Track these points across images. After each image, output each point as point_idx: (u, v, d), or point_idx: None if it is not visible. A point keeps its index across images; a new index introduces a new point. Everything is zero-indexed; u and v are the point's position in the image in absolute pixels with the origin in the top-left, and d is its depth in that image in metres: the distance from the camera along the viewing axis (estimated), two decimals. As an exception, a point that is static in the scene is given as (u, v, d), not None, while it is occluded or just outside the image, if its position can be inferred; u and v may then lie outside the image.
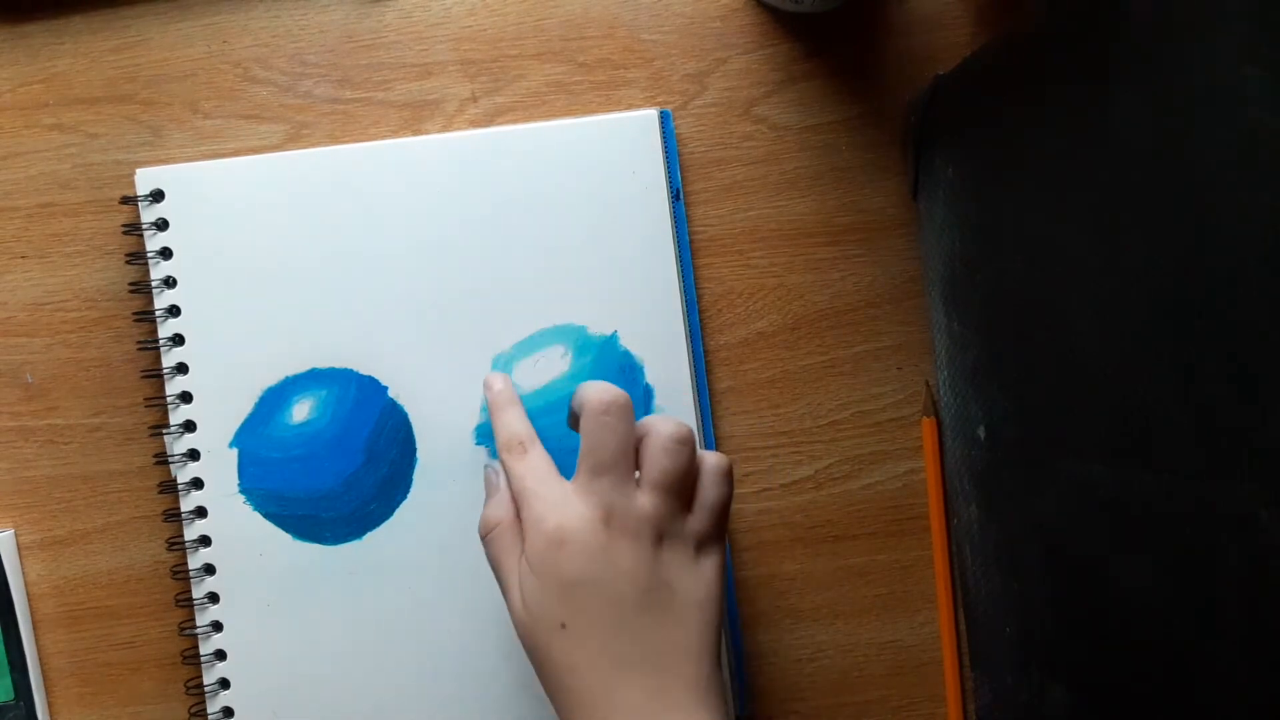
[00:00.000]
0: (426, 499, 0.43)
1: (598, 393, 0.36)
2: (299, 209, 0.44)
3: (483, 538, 0.38)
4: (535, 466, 0.37)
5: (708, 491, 0.37)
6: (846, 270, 0.46)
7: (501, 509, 0.38)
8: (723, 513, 0.37)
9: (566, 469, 0.43)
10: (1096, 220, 0.31)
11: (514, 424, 0.39)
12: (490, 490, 0.40)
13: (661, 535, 0.35)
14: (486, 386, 0.42)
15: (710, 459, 0.37)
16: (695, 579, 0.35)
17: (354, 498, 0.43)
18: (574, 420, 0.39)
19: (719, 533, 0.37)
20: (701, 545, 0.36)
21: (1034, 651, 0.38)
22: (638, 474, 0.36)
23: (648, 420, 0.37)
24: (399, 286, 0.44)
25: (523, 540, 0.36)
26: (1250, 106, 0.24)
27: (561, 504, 0.35)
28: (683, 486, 0.36)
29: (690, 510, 0.36)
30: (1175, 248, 0.27)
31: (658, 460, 0.36)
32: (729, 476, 0.37)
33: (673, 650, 0.34)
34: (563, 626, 0.34)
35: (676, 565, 0.35)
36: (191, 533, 0.44)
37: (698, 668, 0.34)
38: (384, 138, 0.45)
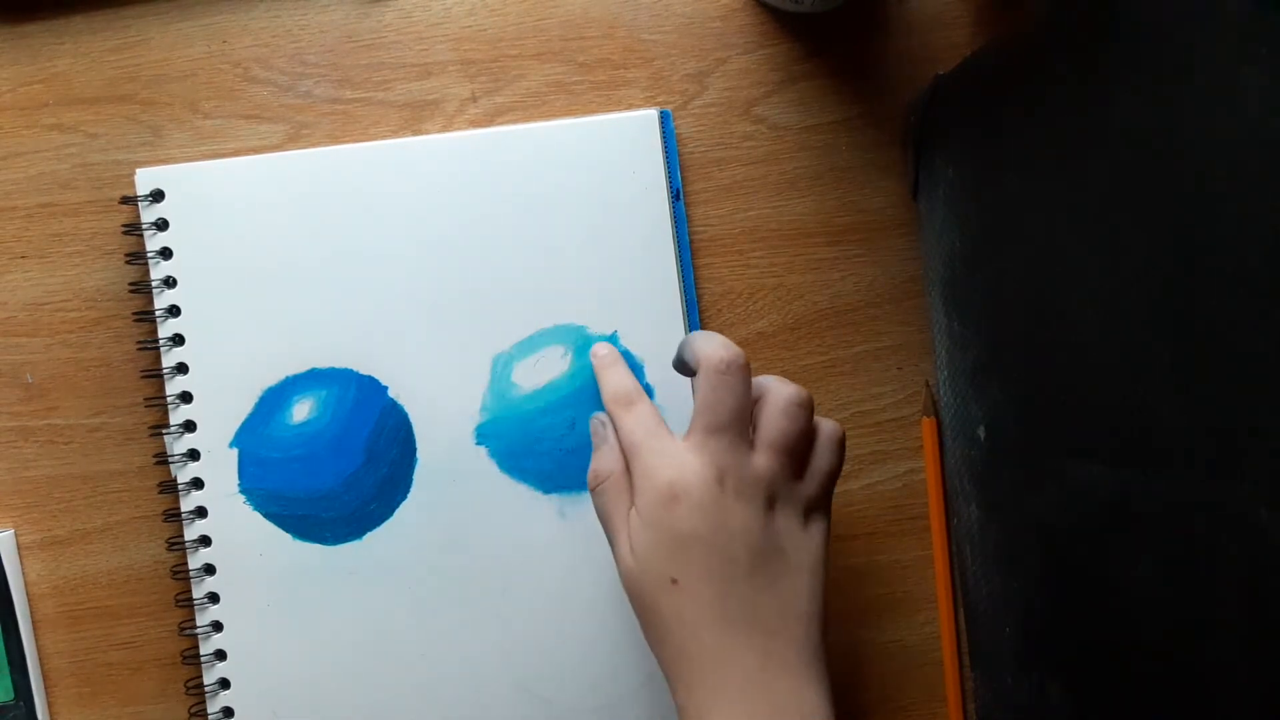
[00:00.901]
0: (426, 499, 0.43)
1: (716, 349, 0.36)
2: (299, 209, 0.44)
3: (592, 489, 0.38)
4: (645, 419, 0.37)
5: (821, 458, 0.37)
6: (846, 270, 0.46)
7: (610, 460, 0.38)
8: (833, 481, 0.37)
9: (569, 470, 0.43)
10: (1096, 220, 0.31)
11: (621, 379, 0.39)
12: (598, 441, 0.40)
13: (773, 498, 0.35)
14: (593, 354, 0.42)
15: (826, 426, 0.37)
16: (804, 543, 0.35)
17: (354, 498, 0.43)
18: (681, 367, 0.39)
19: (827, 501, 0.37)
20: (810, 511, 0.36)
21: (1033, 651, 0.38)
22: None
23: (765, 381, 0.37)
24: (399, 286, 0.44)
25: (633, 493, 0.36)
26: (1250, 106, 0.24)
27: (675, 459, 0.35)
28: (798, 450, 0.36)
29: (801, 476, 0.36)
30: (1175, 248, 0.27)
31: (776, 422, 0.35)
32: (843, 446, 0.37)
33: (782, 612, 0.34)
34: (674, 582, 0.34)
35: (786, 529, 0.35)
36: (191, 533, 0.44)
37: (806, 631, 0.34)
38: (384, 138, 0.45)
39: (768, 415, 0.36)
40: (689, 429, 0.36)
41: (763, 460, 0.35)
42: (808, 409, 0.36)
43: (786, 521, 0.35)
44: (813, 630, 0.35)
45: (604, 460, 0.38)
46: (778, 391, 0.36)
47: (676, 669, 0.34)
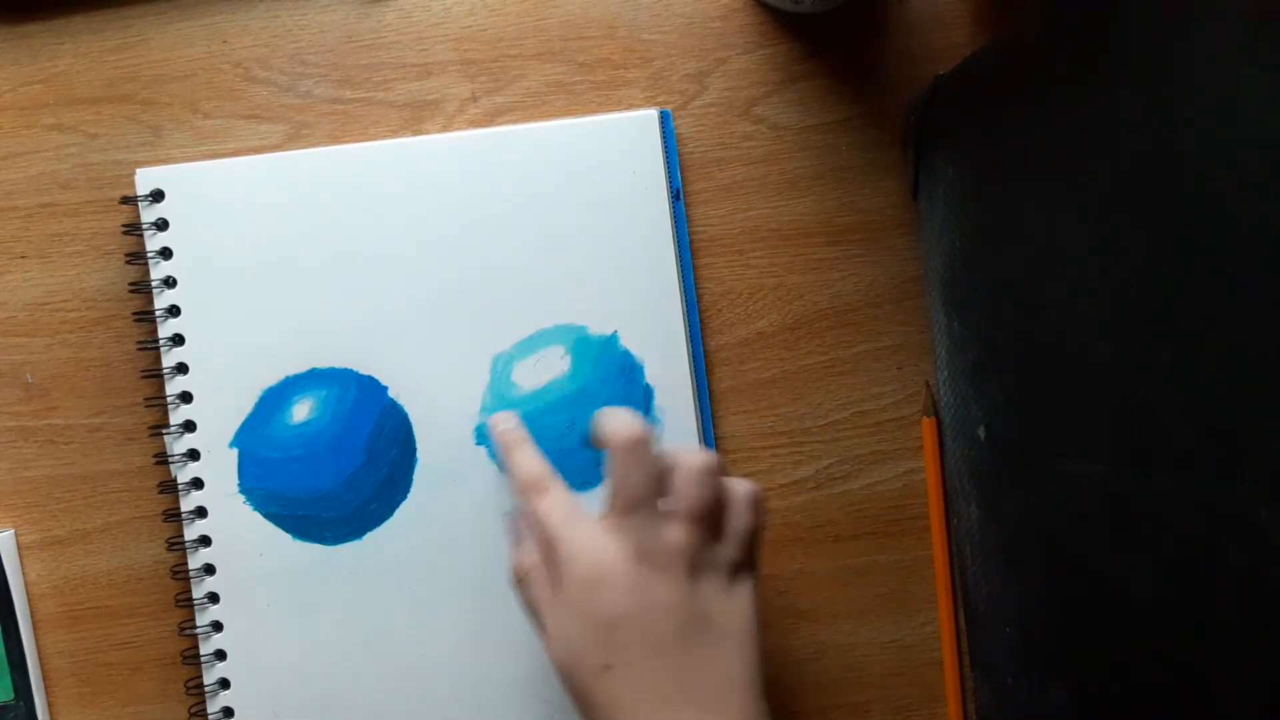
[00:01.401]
0: (426, 499, 0.43)
1: (622, 429, 0.36)
2: (299, 209, 0.44)
3: (515, 585, 0.38)
4: (558, 505, 0.37)
5: (738, 519, 0.36)
6: (846, 270, 0.46)
7: (530, 553, 0.37)
8: (754, 540, 0.37)
9: (567, 469, 0.43)
10: (1096, 220, 0.31)
11: (529, 463, 0.39)
12: (514, 534, 0.40)
13: (694, 567, 0.35)
14: (491, 426, 0.42)
15: (739, 488, 0.37)
16: (731, 608, 0.35)
17: (354, 498, 0.43)
18: (594, 440, 0.38)
19: (751, 560, 0.37)
20: (734, 573, 0.36)
21: (1034, 651, 0.38)
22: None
23: (673, 451, 0.37)
24: (399, 286, 0.44)
25: (556, 582, 0.36)
26: (1250, 106, 0.24)
27: (592, 544, 0.35)
28: (713, 516, 0.36)
29: (721, 539, 0.36)
30: (1175, 248, 0.27)
31: (687, 491, 0.35)
32: (760, 504, 0.37)
33: (717, 683, 0.34)
34: (606, 667, 0.34)
35: (712, 595, 0.35)
36: (191, 533, 0.44)
37: (743, 700, 0.34)
38: (384, 138, 0.45)
39: (678, 485, 0.36)
40: (604, 509, 0.36)
41: (678, 531, 0.35)
42: (716, 474, 0.36)
43: (711, 588, 0.35)
44: (749, 697, 0.34)
45: (524, 554, 0.38)
46: (686, 462, 0.36)
47: None
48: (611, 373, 0.44)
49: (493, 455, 0.44)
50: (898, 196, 0.46)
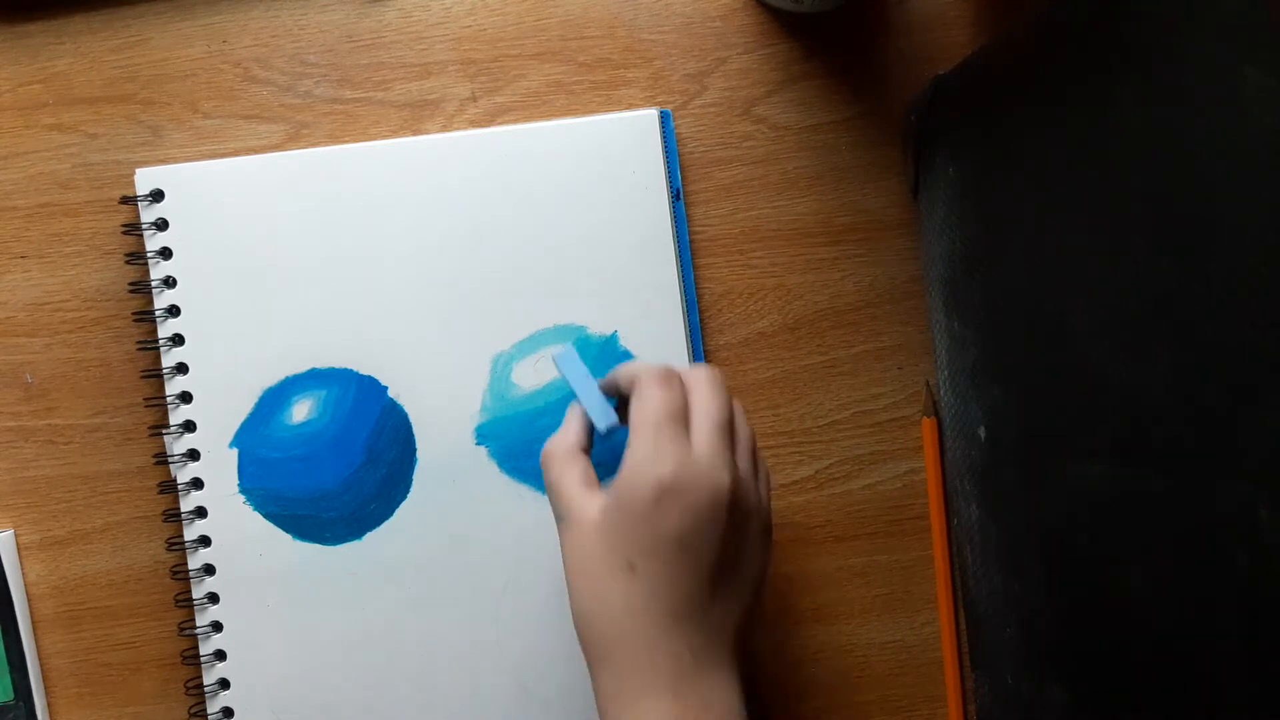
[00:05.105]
0: (426, 499, 0.43)
1: (649, 365, 0.36)
2: (299, 209, 0.44)
3: (547, 457, 0.37)
4: (674, 401, 0.35)
5: (742, 429, 0.37)
6: (846, 270, 0.46)
7: (573, 434, 0.37)
8: (755, 446, 0.39)
9: (566, 469, 0.43)
10: (1096, 220, 0.31)
11: (666, 367, 0.37)
12: (572, 413, 0.39)
13: (748, 513, 0.36)
14: (627, 370, 0.39)
15: (738, 409, 0.38)
16: (760, 557, 0.36)
17: (354, 498, 0.43)
18: (616, 387, 0.38)
19: (769, 508, 0.38)
20: (766, 525, 0.37)
21: (1034, 651, 0.38)
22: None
23: (690, 374, 0.37)
24: (399, 286, 0.44)
25: (619, 468, 0.35)
26: (1250, 106, 0.24)
27: (691, 461, 0.34)
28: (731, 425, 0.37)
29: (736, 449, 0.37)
30: (1175, 248, 0.27)
31: (739, 420, 0.37)
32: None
33: (724, 616, 0.35)
34: (631, 568, 0.34)
35: (752, 543, 0.36)
36: (191, 533, 0.44)
37: (737, 636, 0.35)
38: (384, 138, 0.45)
39: (737, 416, 0.37)
40: (694, 438, 0.35)
41: (764, 492, 0.37)
42: (724, 385, 0.37)
43: (752, 536, 0.36)
44: (741, 636, 0.35)
45: (567, 434, 0.37)
46: (698, 378, 0.37)
47: (605, 652, 0.34)
48: (611, 373, 0.44)
49: (493, 455, 0.44)
50: (898, 196, 0.46)
